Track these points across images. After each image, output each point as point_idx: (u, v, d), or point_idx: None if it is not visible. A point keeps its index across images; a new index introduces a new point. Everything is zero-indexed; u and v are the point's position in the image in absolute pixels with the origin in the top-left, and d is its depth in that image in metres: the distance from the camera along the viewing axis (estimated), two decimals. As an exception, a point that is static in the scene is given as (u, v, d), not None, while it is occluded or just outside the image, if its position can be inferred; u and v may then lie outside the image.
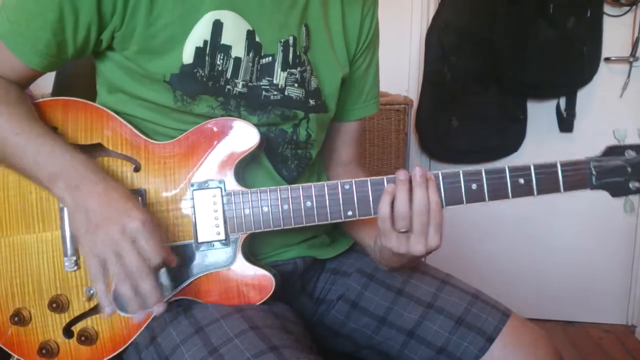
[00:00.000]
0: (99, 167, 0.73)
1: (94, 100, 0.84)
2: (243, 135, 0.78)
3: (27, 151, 0.72)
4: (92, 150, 0.78)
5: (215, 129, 0.78)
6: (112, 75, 0.80)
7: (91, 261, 0.67)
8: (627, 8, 2.15)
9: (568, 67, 2.14)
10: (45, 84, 1.07)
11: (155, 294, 0.67)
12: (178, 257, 0.72)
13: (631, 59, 2.17)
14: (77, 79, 1.02)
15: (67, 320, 0.79)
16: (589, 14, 2.10)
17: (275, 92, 0.81)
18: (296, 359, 0.68)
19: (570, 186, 0.75)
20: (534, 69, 2.11)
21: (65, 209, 0.77)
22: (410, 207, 0.73)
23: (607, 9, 2.15)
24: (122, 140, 0.79)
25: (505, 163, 0.76)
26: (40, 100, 0.80)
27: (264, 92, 0.80)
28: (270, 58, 0.80)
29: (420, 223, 0.73)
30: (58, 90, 1.08)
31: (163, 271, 0.75)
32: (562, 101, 2.26)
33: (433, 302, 0.88)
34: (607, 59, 2.19)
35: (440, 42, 2.22)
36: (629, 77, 2.19)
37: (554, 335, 2.28)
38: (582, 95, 2.24)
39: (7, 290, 0.78)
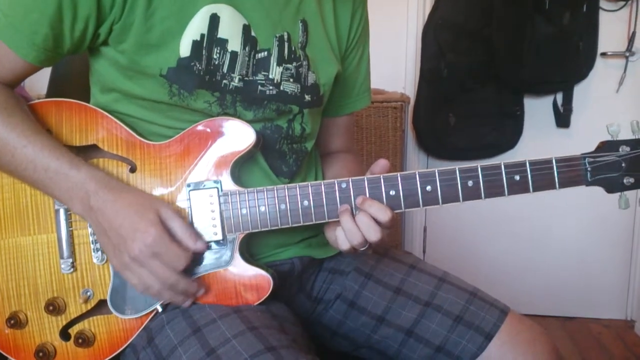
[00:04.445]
0: (104, 173, 0.74)
1: (88, 101, 0.84)
2: (239, 135, 0.77)
3: (37, 166, 0.72)
4: (88, 152, 0.78)
5: (211, 128, 0.78)
6: (105, 72, 0.80)
7: (128, 279, 0.73)
8: (622, 3, 2.15)
9: (564, 63, 2.14)
10: (41, 85, 1.07)
11: (191, 287, 0.74)
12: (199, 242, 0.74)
13: (627, 54, 2.17)
14: (72, 79, 1.02)
15: (64, 323, 0.78)
16: (584, 9, 2.11)
17: (271, 87, 0.81)
18: (294, 359, 0.67)
19: (566, 182, 0.75)
20: (531, 65, 2.11)
21: (61, 210, 0.78)
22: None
23: (602, 3, 2.15)
24: (117, 141, 0.78)
25: (503, 159, 0.75)
26: (33, 102, 0.79)
27: (259, 87, 0.80)
28: (265, 53, 0.80)
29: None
30: (53, 91, 1.08)
31: None
32: (559, 97, 2.26)
33: (431, 300, 0.88)
34: (604, 54, 2.19)
35: (436, 38, 2.22)
36: (625, 71, 2.19)
37: (553, 331, 2.29)
38: (579, 90, 2.24)
39: (3, 293, 0.78)
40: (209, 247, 0.77)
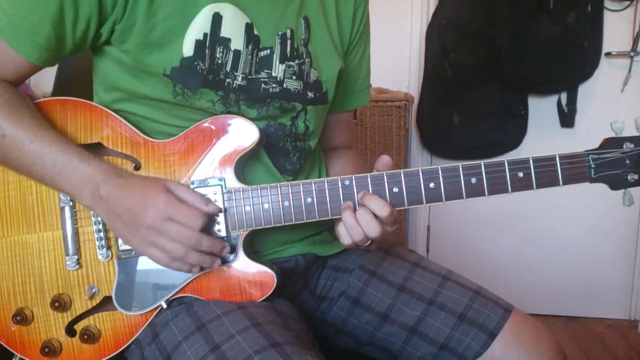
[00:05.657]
0: (112, 165, 0.75)
1: (93, 99, 0.84)
2: (243, 132, 0.78)
3: (45, 161, 0.73)
4: (92, 150, 0.78)
5: (214, 126, 0.78)
6: (110, 72, 0.80)
7: (152, 255, 0.73)
8: (627, 2, 2.14)
9: (569, 62, 2.14)
10: (47, 84, 1.08)
11: (216, 244, 0.73)
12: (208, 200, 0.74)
13: (632, 54, 2.17)
14: (78, 78, 1.02)
15: (70, 319, 0.79)
16: (589, 9, 2.10)
17: (274, 85, 0.82)
18: (298, 356, 0.68)
19: (570, 179, 0.75)
20: (535, 65, 2.11)
21: (66, 208, 0.78)
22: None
23: (607, 3, 2.14)
24: (121, 139, 0.79)
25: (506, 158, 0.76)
26: (39, 100, 0.80)
27: (262, 85, 0.81)
28: (268, 51, 0.81)
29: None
30: (58, 89, 1.09)
31: (163, 270, 0.75)
32: (563, 96, 2.26)
33: (435, 298, 0.88)
34: (608, 54, 2.18)
35: (440, 38, 2.22)
36: (629, 71, 2.19)
37: (556, 330, 2.28)
38: (583, 90, 2.23)
39: (9, 290, 0.79)
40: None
